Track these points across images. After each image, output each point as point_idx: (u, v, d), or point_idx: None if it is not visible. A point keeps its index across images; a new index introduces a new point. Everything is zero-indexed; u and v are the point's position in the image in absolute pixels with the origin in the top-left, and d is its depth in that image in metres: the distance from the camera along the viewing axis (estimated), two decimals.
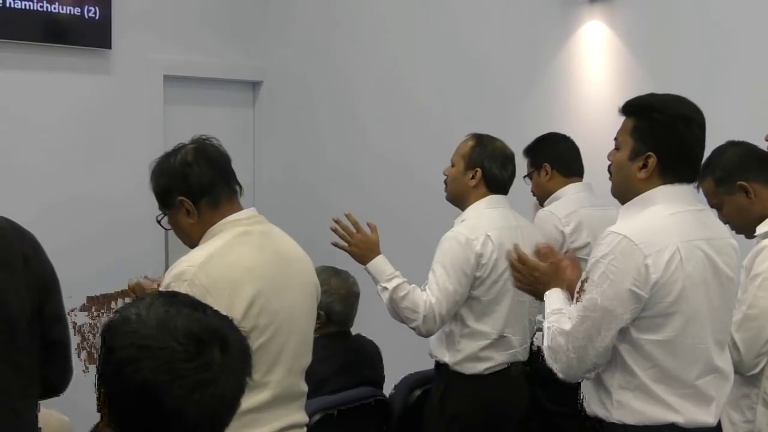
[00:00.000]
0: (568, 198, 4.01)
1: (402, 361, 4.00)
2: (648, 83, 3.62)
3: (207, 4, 5.66)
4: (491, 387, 3.50)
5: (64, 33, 4.93)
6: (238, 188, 2.67)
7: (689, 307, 2.43)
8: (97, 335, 4.76)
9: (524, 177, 4.14)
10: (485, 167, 3.54)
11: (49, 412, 2.72)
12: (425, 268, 3.49)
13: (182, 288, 2.37)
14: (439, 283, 3.40)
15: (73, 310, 4.80)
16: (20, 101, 4.84)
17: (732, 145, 3.05)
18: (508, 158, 3.58)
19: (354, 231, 3.44)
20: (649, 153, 2.48)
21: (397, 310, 3.40)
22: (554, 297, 2.62)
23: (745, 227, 2.98)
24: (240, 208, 2.65)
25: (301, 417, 2.70)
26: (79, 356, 4.92)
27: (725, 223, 2.81)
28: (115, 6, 5.07)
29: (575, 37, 4.53)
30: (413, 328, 3.43)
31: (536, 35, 4.68)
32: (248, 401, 1.53)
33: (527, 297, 3.42)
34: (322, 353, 3.25)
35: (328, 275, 3.66)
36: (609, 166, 2.61)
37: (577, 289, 2.50)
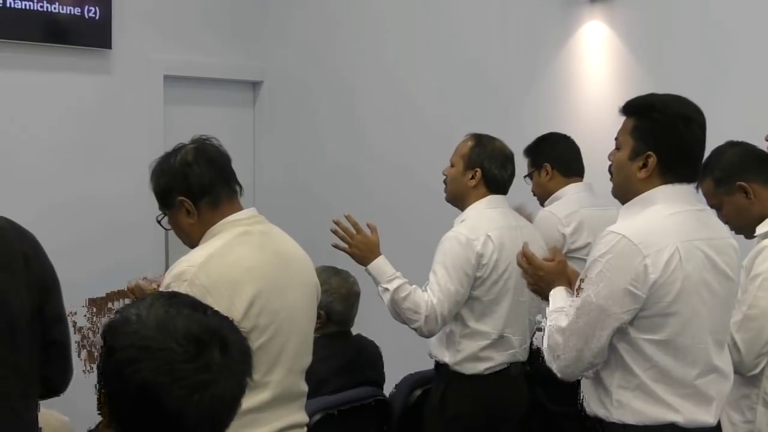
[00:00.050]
0: (569, 198, 4.01)
1: (402, 361, 4.00)
2: (648, 83, 3.62)
3: (207, 4, 5.66)
4: (491, 387, 3.50)
5: (64, 33, 4.93)
6: (238, 188, 2.67)
7: (688, 307, 2.43)
8: (97, 335, 4.76)
9: (525, 177, 4.14)
10: (485, 167, 3.53)
11: (49, 412, 2.72)
12: (425, 269, 3.49)
13: (182, 288, 2.38)
14: (440, 284, 3.39)
15: (74, 314, 4.79)
16: (20, 101, 4.84)
17: (731, 145, 3.05)
18: (507, 158, 3.58)
19: (354, 232, 3.44)
20: (650, 153, 2.48)
21: (398, 311, 3.40)
22: (558, 296, 2.63)
23: (744, 227, 2.97)
24: (240, 208, 2.65)
25: (302, 417, 2.70)
26: (79, 356, 4.92)
27: (725, 224, 2.81)
28: (115, 6, 5.07)
29: (575, 37, 4.53)
30: (415, 329, 3.42)
31: (536, 35, 4.68)
32: (248, 401, 1.53)
33: (527, 297, 3.43)
34: (322, 353, 3.25)
35: (329, 275, 3.66)
36: (609, 166, 2.61)
37: (575, 287, 2.50)
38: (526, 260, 2.72)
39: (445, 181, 3.63)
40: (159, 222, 2.75)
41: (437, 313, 3.37)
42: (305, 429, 2.72)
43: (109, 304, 4.80)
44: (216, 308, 1.55)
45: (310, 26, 5.74)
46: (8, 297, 2.36)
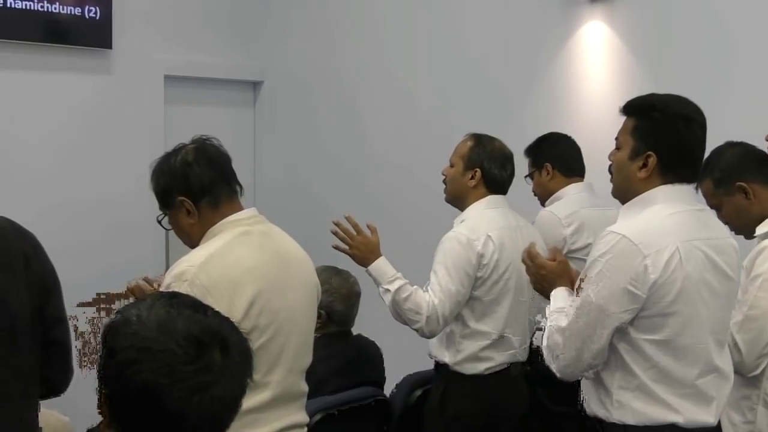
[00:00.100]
0: (570, 198, 4.01)
1: (403, 361, 4.00)
2: (648, 83, 3.61)
3: (208, 4, 5.66)
4: (491, 387, 3.49)
5: (64, 33, 4.94)
6: (238, 188, 2.67)
7: (688, 307, 2.42)
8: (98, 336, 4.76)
9: (525, 177, 4.14)
10: (484, 168, 3.53)
11: (49, 412, 2.72)
12: (426, 269, 3.49)
13: (182, 288, 2.38)
14: (441, 284, 3.39)
15: (74, 317, 4.80)
16: (21, 101, 4.85)
17: (731, 145, 3.05)
18: (507, 158, 3.58)
19: (354, 233, 3.43)
20: (650, 153, 2.48)
21: (399, 312, 3.39)
22: (559, 296, 2.63)
23: (744, 228, 2.97)
24: (240, 208, 2.65)
25: (302, 417, 2.70)
26: (80, 362, 4.92)
27: (725, 224, 2.80)
28: (115, 6, 5.07)
29: (576, 37, 4.53)
30: (416, 330, 3.42)
31: (537, 35, 4.68)
32: (249, 401, 1.53)
33: (527, 297, 3.43)
34: (323, 353, 3.25)
35: (329, 275, 3.66)
36: (609, 166, 2.61)
37: (575, 287, 2.50)
38: (530, 259, 2.72)
39: (444, 181, 3.63)
40: (159, 222, 2.75)
41: (439, 314, 3.37)
42: (305, 429, 2.72)
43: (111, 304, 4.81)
44: (216, 308, 1.55)
45: (311, 26, 5.74)
46: (8, 297, 2.36)
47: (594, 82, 4.47)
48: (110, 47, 5.10)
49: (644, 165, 2.49)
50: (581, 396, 2.60)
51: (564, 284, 2.65)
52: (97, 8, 4.99)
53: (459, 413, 3.48)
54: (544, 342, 2.53)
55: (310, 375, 2.73)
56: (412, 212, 5.10)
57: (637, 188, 2.51)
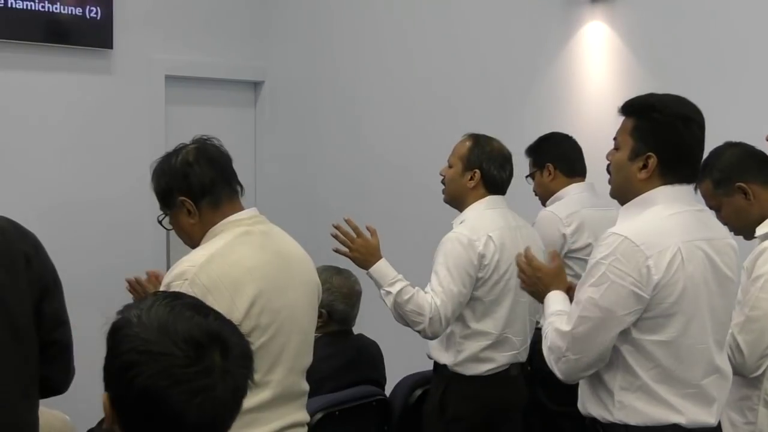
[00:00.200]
0: (571, 198, 4.01)
1: (403, 361, 4.00)
2: (649, 83, 3.61)
3: (208, 4, 5.67)
4: (491, 388, 3.49)
5: (65, 33, 4.94)
6: (239, 188, 2.67)
7: (690, 307, 2.43)
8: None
9: (527, 177, 4.14)
10: (484, 168, 3.53)
11: (50, 411, 2.72)
12: (426, 270, 3.49)
13: (183, 287, 2.38)
14: (443, 285, 3.38)
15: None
16: (22, 102, 4.85)
17: (730, 146, 3.04)
18: (506, 158, 3.58)
19: (354, 236, 3.43)
20: (650, 153, 2.48)
21: (401, 314, 3.39)
22: (555, 299, 2.63)
23: (743, 228, 2.97)
24: (241, 208, 2.65)
25: (302, 416, 2.70)
26: None
27: (724, 225, 2.80)
28: (116, 6, 5.07)
29: (576, 37, 4.53)
30: (418, 331, 3.41)
31: (537, 35, 4.68)
32: (249, 401, 1.53)
33: (527, 297, 3.43)
34: (323, 352, 3.25)
35: (330, 274, 3.67)
36: (608, 166, 2.61)
37: (576, 289, 2.50)
38: (526, 261, 2.73)
39: (443, 182, 3.62)
40: (160, 222, 2.75)
41: (441, 315, 3.36)
42: (306, 428, 2.72)
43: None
44: (217, 308, 1.55)
45: (312, 26, 5.74)
46: (9, 297, 2.36)
47: (595, 82, 4.48)
48: (111, 47, 5.10)
49: (644, 166, 2.49)
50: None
51: (559, 288, 2.66)
52: (98, 8, 5.00)
53: (458, 414, 3.48)
54: (544, 345, 2.53)
55: (311, 374, 2.74)
56: (413, 213, 5.10)
57: (637, 189, 2.51)
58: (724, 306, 2.54)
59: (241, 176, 2.71)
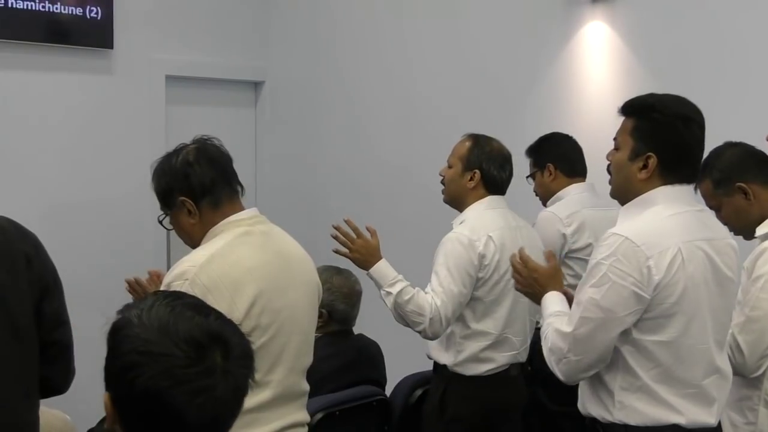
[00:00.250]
0: (571, 198, 4.01)
1: (403, 361, 4.00)
2: (649, 83, 3.62)
3: (209, 4, 5.67)
4: (490, 388, 3.49)
5: (65, 33, 4.94)
6: (239, 188, 2.68)
7: (691, 307, 2.43)
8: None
9: (527, 177, 4.14)
10: (484, 169, 3.52)
11: (50, 411, 2.72)
12: (426, 270, 3.49)
13: (183, 287, 2.38)
14: (443, 285, 3.38)
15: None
16: (22, 102, 4.85)
17: (730, 146, 3.04)
18: (506, 159, 3.58)
19: (354, 237, 3.42)
20: (650, 153, 2.48)
21: (402, 315, 3.38)
22: (553, 300, 2.63)
23: (743, 229, 2.97)
24: (241, 208, 2.65)
25: (303, 416, 2.70)
26: None
27: (724, 225, 2.80)
28: (116, 6, 5.07)
29: (577, 37, 4.53)
30: (419, 332, 3.41)
31: (538, 35, 4.68)
32: (249, 401, 1.54)
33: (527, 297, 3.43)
34: (324, 352, 3.25)
35: (330, 274, 3.67)
36: (608, 166, 2.61)
37: (577, 291, 2.50)
38: (521, 261, 2.72)
39: (442, 182, 3.62)
40: (160, 222, 2.75)
41: (441, 315, 3.36)
42: (306, 428, 2.72)
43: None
44: (217, 308, 1.55)
45: (312, 26, 5.74)
46: (10, 297, 2.36)
47: (595, 82, 4.48)
48: (111, 47, 5.10)
49: (644, 166, 2.49)
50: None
51: (556, 289, 2.66)
52: (99, 8, 5.00)
53: (458, 414, 3.48)
54: (545, 346, 2.53)
55: (311, 374, 2.74)
56: (413, 213, 5.10)
57: (637, 189, 2.50)
58: (724, 306, 2.55)
59: (242, 176, 2.71)
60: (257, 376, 1.55)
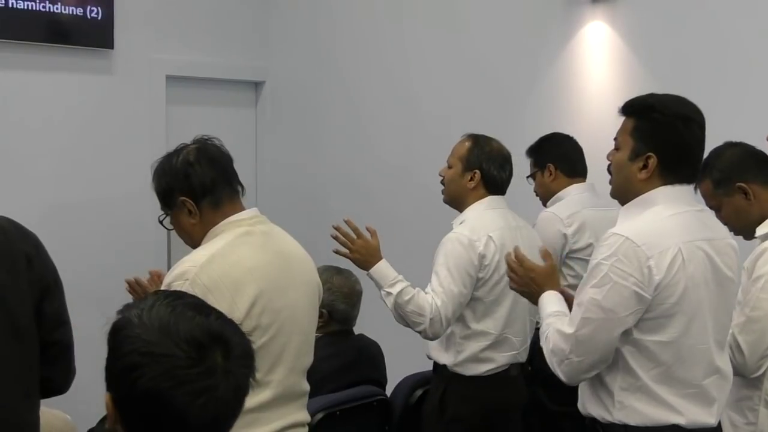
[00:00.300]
0: (571, 198, 4.01)
1: (403, 361, 4.00)
2: (650, 83, 3.62)
3: (209, 4, 5.67)
4: (490, 388, 3.49)
5: (66, 33, 4.94)
6: (240, 188, 2.68)
7: (691, 307, 2.43)
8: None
9: (527, 177, 4.14)
10: (484, 169, 3.53)
11: (51, 411, 2.72)
12: (426, 271, 3.49)
13: (184, 287, 2.38)
14: (444, 285, 3.38)
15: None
16: (22, 102, 4.85)
17: (730, 146, 3.04)
18: (506, 159, 3.58)
19: (354, 237, 3.42)
20: (650, 153, 2.48)
21: (402, 315, 3.38)
22: (551, 299, 2.63)
23: (744, 229, 2.97)
24: (242, 209, 2.65)
25: (303, 416, 2.70)
26: None
27: (724, 225, 2.80)
28: (117, 6, 5.07)
29: (577, 37, 4.53)
30: (419, 332, 3.41)
31: (538, 36, 4.68)
32: (250, 400, 1.54)
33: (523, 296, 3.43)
34: (324, 352, 3.25)
35: (331, 274, 3.67)
36: (608, 166, 2.61)
37: (577, 291, 2.50)
38: (517, 261, 2.72)
39: (442, 182, 3.62)
40: (161, 222, 2.75)
41: (442, 316, 3.36)
42: (307, 428, 2.72)
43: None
44: (218, 308, 1.55)
45: (313, 26, 5.74)
46: (10, 297, 2.36)
47: (596, 82, 4.48)
48: (112, 47, 5.10)
49: (645, 166, 2.49)
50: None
51: (553, 288, 2.66)
52: (99, 8, 5.00)
53: (458, 414, 3.48)
54: (546, 347, 2.52)
55: (312, 374, 2.74)
56: (413, 213, 5.10)
57: (638, 189, 2.50)
58: (724, 306, 2.54)
59: (242, 176, 2.71)
60: (258, 375, 1.56)
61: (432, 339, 3.47)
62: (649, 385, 2.44)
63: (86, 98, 5.09)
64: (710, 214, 2.66)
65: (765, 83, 3.92)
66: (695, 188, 2.68)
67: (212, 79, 5.73)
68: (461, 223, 3.52)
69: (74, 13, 4.92)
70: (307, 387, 2.71)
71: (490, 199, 3.55)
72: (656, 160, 2.47)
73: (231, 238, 2.56)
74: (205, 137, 2.70)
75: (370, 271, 3.42)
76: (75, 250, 4.72)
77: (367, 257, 3.41)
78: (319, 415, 3.31)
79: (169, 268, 2.69)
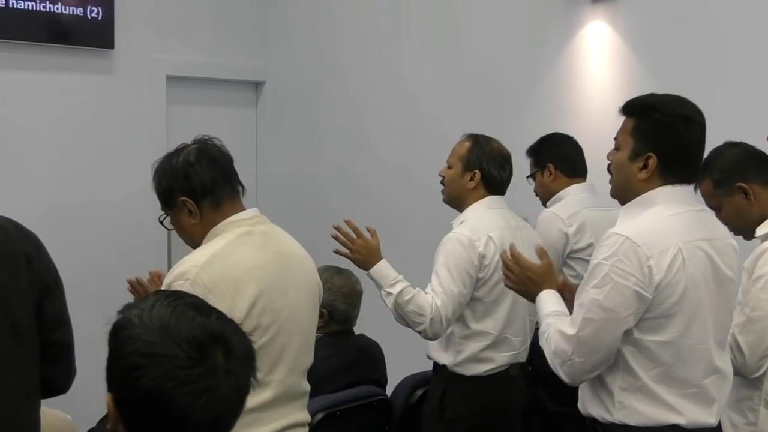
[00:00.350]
0: (572, 199, 4.01)
1: (404, 361, 4.00)
2: (650, 83, 3.62)
3: (210, 4, 5.67)
4: (490, 388, 3.49)
5: (66, 33, 4.94)
6: (240, 188, 2.68)
7: (691, 307, 2.43)
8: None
9: (527, 177, 4.14)
10: (484, 169, 3.53)
11: (51, 411, 2.72)
12: (426, 271, 3.49)
13: (184, 287, 2.38)
14: (444, 285, 3.38)
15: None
16: (23, 102, 4.85)
17: (730, 145, 3.04)
18: (505, 158, 3.58)
19: (355, 237, 3.42)
20: (650, 153, 2.48)
21: (402, 315, 3.38)
22: (549, 298, 2.63)
23: (744, 229, 2.97)
24: (242, 209, 2.65)
25: (303, 416, 2.70)
26: None
27: (724, 224, 2.80)
28: (117, 6, 5.07)
29: (578, 37, 4.53)
30: (419, 332, 3.41)
31: (539, 36, 4.68)
32: (250, 400, 1.54)
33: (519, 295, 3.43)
34: (324, 352, 3.26)
35: (331, 274, 3.67)
36: (608, 166, 2.61)
37: (578, 292, 2.50)
38: (513, 260, 2.72)
39: (442, 182, 3.62)
40: (161, 222, 2.75)
41: (442, 316, 3.36)
42: (307, 428, 2.72)
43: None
44: (218, 308, 1.55)
45: (313, 26, 5.74)
46: (10, 297, 2.36)
47: (596, 82, 4.48)
48: (112, 47, 5.11)
49: (645, 166, 2.49)
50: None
51: (551, 286, 2.65)
52: (99, 8, 5.00)
53: (458, 414, 3.48)
54: (547, 348, 2.52)
55: (312, 374, 2.74)
56: (413, 213, 5.10)
57: (638, 189, 2.50)
58: (724, 306, 2.54)
59: (242, 176, 2.71)
60: (258, 375, 1.56)
61: (432, 339, 3.47)
62: (649, 385, 2.44)
63: (86, 98, 5.09)
64: (710, 214, 2.66)
65: (765, 83, 3.92)
66: (695, 188, 2.68)
67: (212, 79, 5.74)
68: (461, 223, 3.52)
69: (74, 13, 4.93)
70: (307, 387, 2.71)
71: (490, 199, 3.55)
72: (656, 160, 2.47)
73: (231, 238, 2.57)
74: (206, 137, 2.71)
75: (370, 271, 3.42)
76: (75, 250, 4.72)
77: (367, 257, 3.41)
78: (320, 415, 3.31)
79: (169, 268, 2.69)
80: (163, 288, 2.53)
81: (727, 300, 2.56)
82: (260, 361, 1.55)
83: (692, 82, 3.70)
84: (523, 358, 3.59)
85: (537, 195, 4.18)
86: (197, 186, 2.59)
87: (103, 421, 3.00)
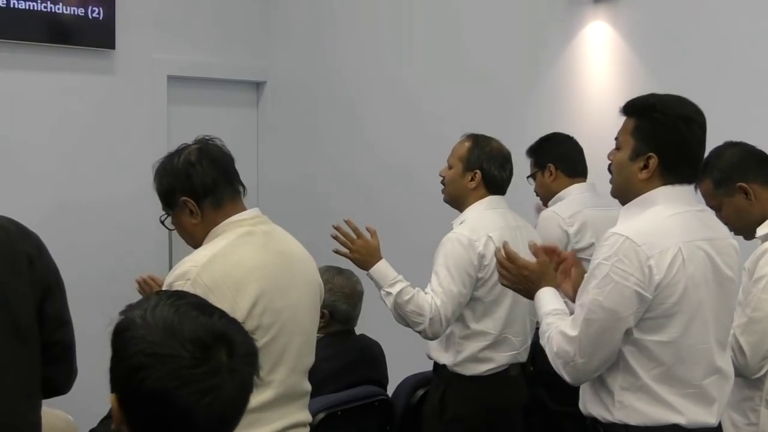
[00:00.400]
0: (572, 198, 4.01)
1: (405, 361, 4.00)
2: (651, 83, 3.62)
3: (211, 4, 5.67)
4: (490, 388, 3.49)
5: (67, 33, 4.94)
6: (241, 188, 2.68)
7: (691, 307, 2.43)
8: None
9: (528, 177, 4.14)
10: (484, 169, 3.53)
11: (53, 411, 2.72)
12: (426, 271, 3.49)
13: (185, 287, 2.38)
14: (443, 285, 3.39)
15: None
16: (24, 102, 4.85)
17: (731, 145, 3.04)
18: (506, 158, 3.58)
19: (354, 237, 3.42)
20: (651, 153, 2.48)
21: (402, 315, 3.38)
22: (548, 296, 2.63)
23: (744, 229, 2.97)
24: (243, 209, 2.66)
25: (305, 416, 2.70)
26: None
27: (725, 224, 2.80)
28: (118, 6, 5.08)
29: (579, 37, 4.53)
30: (419, 332, 3.41)
31: (540, 36, 4.68)
32: (251, 400, 1.54)
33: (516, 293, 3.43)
34: (325, 352, 3.26)
35: (332, 274, 3.68)
36: (609, 166, 2.62)
37: (578, 292, 2.50)
38: (507, 258, 2.72)
39: (442, 182, 3.62)
40: (162, 222, 2.75)
41: (441, 315, 3.36)
42: (308, 428, 2.72)
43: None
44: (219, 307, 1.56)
45: (314, 27, 5.75)
46: (12, 297, 2.36)
47: (597, 83, 4.48)
48: (113, 48, 5.11)
49: (645, 166, 2.49)
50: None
51: (549, 284, 2.65)
52: (101, 9, 5.00)
53: (458, 414, 3.48)
54: (549, 349, 2.52)
55: (313, 374, 2.74)
56: (413, 213, 5.10)
57: (638, 189, 2.51)
58: (725, 306, 2.54)
59: (243, 176, 2.71)
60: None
61: (432, 339, 3.48)
62: (650, 384, 2.44)
63: (88, 98, 5.09)
64: (711, 214, 2.66)
65: (765, 83, 3.92)
66: (696, 188, 2.68)
67: (213, 79, 5.74)
68: (461, 223, 3.52)
69: (75, 13, 4.93)
70: (308, 387, 2.71)
71: (491, 199, 3.55)
72: (657, 160, 2.47)
73: (232, 238, 2.57)
74: (207, 137, 2.71)
75: (370, 271, 3.42)
76: (76, 250, 4.72)
77: (366, 257, 3.42)
78: (321, 415, 3.31)
79: (170, 268, 2.69)
80: (164, 288, 2.53)
81: (728, 300, 2.56)
82: (261, 361, 1.56)
83: (692, 82, 3.70)
84: (523, 358, 3.59)
85: (537, 195, 4.18)
86: (198, 186, 2.60)
87: (104, 421, 3.00)
